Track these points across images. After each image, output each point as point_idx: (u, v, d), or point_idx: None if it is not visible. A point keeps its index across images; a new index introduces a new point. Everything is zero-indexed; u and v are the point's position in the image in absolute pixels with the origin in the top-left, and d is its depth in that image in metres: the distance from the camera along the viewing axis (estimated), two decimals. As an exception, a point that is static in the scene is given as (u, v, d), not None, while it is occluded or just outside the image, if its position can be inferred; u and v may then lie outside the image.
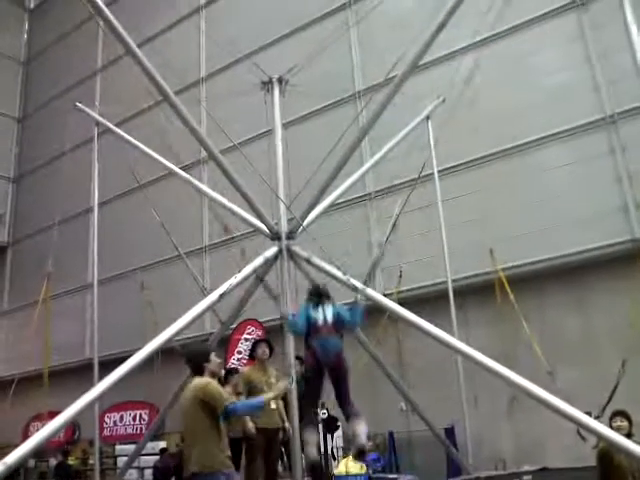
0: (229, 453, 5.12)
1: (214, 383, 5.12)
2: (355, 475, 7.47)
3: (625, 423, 5.67)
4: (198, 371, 5.20)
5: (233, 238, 15.51)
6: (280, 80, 9.43)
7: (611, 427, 5.62)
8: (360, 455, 6.09)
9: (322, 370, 5.96)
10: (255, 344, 7.47)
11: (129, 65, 7.57)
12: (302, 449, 5.69)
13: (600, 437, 5.84)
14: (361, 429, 5.85)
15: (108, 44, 21.54)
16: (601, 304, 12.00)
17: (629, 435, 5.52)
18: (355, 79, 16.11)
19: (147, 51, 7.52)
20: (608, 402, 8.53)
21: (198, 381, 5.08)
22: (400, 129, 11.05)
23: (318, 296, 6.34)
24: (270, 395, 5.68)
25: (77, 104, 12.62)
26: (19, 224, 25.56)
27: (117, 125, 13.33)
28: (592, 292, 12.27)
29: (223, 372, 8.38)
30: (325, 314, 6.08)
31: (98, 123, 12.67)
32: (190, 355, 5.37)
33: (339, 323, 6.15)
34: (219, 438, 4.99)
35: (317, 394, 6.18)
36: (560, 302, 12.57)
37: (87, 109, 12.78)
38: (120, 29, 7.00)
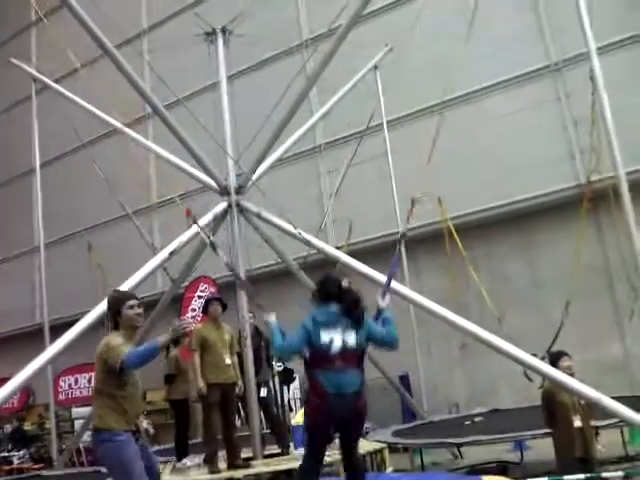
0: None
1: (113, 339, 4.29)
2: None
3: (573, 362, 5.87)
4: (115, 325, 4.43)
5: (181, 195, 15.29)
6: (224, 30, 9.16)
7: (558, 366, 5.80)
8: None
9: (330, 423, 4.18)
10: (207, 302, 7.41)
11: (67, 19, 7.24)
12: None
13: (545, 377, 6.06)
14: None
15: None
16: (547, 249, 12.34)
17: (571, 374, 5.73)
18: (302, 28, 15.80)
19: (84, 3, 7.17)
20: (552, 344, 8.83)
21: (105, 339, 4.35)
22: (349, 79, 10.94)
23: (343, 307, 4.25)
24: (163, 338, 4.14)
25: (11, 59, 12.12)
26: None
27: (56, 81, 12.84)
28: (538, 238, 12.60)
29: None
30: (345, 338, 4.16)
31: (35, 79, 12.20)
32: (107, 306, 4.57)
33: (367, 347, 4.32)
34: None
35: (322, 451, 4.38)
36: (508, 249, 12.88)
37: (23, 64, 12.27)
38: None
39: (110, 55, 7.07)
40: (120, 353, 4.12)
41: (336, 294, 4.31)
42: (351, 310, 4.25)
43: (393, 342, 4.38)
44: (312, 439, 4.31)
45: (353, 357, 4.15)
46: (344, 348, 4.11)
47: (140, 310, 4.44)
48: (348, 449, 4.35)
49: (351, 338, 4.15)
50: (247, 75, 15.87)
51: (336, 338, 4.12)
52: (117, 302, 4.45)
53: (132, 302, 4.42)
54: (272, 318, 4.50)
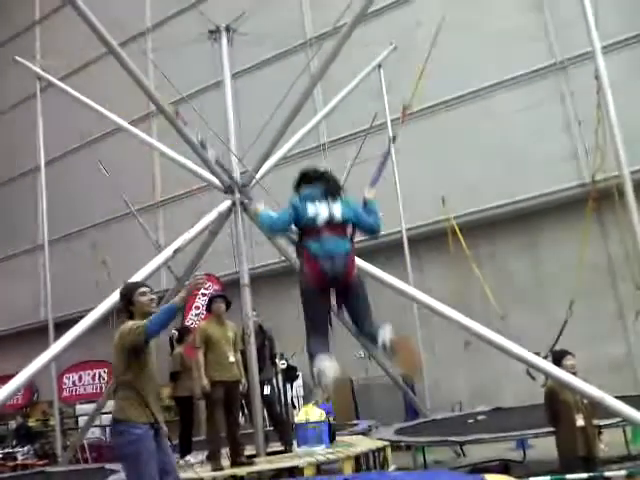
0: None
1: (128, 323, 4.37)
2: (316, 422, 7.58)
3: (576, 361, 5.88)
4: (129, 316, 4.48)
5: (186, 193, 15.36)
6: (228, 29, 9.17)
7: (561, 365, 5.80)
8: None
9: (327, 285, 4.15)
10: (211, 300, 7.43)
11: (72, 17, 7.25)
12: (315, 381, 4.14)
13: (548, 375, 6.07)
14: (389, 329, 4.12)
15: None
16: (551, 248, 12.33)
17: (574, 373, 5.74)
18: (305, 26, 15.81)
19: (89, 1, 7.17)
20: (556, 342, 8.84)
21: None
22: (353, 78, 10.94)
23: (320, 184, 4.36)
24: (183, 295, 4.32)
25: (16, 57, 12.13)
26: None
27: (61, 79, 12.85)
28: (542, 237, 12.59)
29: (176, 333, 8.35)
30: (331, 209, 4.21)
31: (40, 77, 12.21)
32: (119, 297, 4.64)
33: (353, 224, 4.32)
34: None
35: (324, 321, 4.24)
36: (512, 247, 12.87)
37: (27, 62, 12.29)
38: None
39: (115, 54, 7.07)
40: (140, 326, 4.23)
41: (317, 178, 4.43)
42: (334, 187, 4.37)
43: (376, 227, 4.44)
44: (310, 305, 4.23)
45: (340, 228, 4.22)
46: (330, 219, 4.18)
47: (153, 296, 4.51)
48: (358, 319, 4.26)
49: (337, 210, 4.22)
50: (251, 73, 15.89)
51: (322, 209, 4.19)
52: (129, 291, 4.53)
53: (144, 289, 4.53)
54: (261, 206, 4.54)
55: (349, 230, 4.31)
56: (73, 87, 11.29)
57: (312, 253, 4.10)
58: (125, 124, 10.80)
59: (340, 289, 4.20)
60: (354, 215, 4.32)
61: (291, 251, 9.66)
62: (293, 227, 4.33)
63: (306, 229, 4.20)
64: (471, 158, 12.86)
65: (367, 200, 4.52)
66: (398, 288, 7.32)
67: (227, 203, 8.30)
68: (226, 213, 8.30)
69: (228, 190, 8.38)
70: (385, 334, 4.06)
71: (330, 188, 4.34)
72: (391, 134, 11.59)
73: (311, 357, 4.15)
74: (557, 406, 5.56)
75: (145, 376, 4.35)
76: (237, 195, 8.28)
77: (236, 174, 8.44)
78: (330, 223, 4.17)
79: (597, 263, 11.26)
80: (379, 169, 5.55)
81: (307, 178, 4.45)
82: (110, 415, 4.54)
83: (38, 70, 12.18)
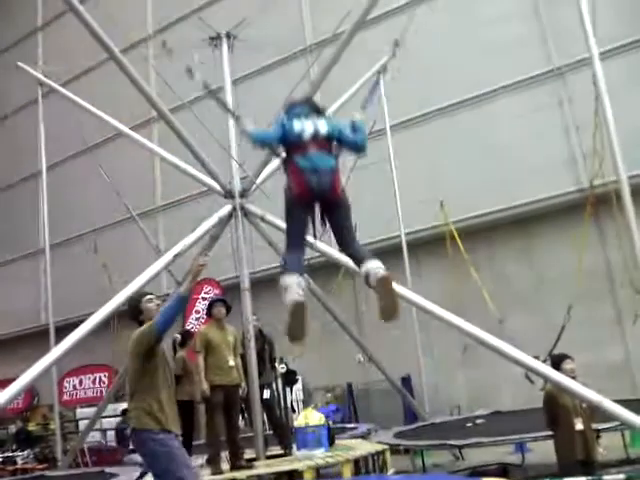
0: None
1: (137, 329, 4.58)
2: (315, 426, 7.60)
3: (575, 365, 5.90)
4: (139, 324, 4.66)
5: (186, 198, 15.39)
6: (228, 35, 9.26)
7: (560, 369, 5.82)
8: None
9: (311, 199, 4.28)
10: (211, 304, 7.47)
11: (74, 23, 7.32)
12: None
13: (547, 379, 6.10)
14: (376, 264, 4.25)
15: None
16: (549, 253, 12.36)
17: (573, 377, 5.76)
18: (305, 33, 15.88)
19: (91, 8, 7.25)
20: (554, 346, 8.87)
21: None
22: (353, 84, 11.00)
23: (306, 105, 4.56)
24: (187, 285, 4.60)
25: (19, 63, 12.22)
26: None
27: (63, 85, 12.93)
28: (540, 241, 12.62)
29: (179, 337, 8.40)
30: (316, 125, 4.34)
31: (42, 83, 12.30)
32: (128, 309, 4.87)
33: (337, 141, 4.41)
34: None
35: (303, 236, 4.40)
36: (510, 252, 12.90)
37: (29, 68, 12.38)
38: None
39: (116, 60, 7.14)
40: (149, 324, 4.44)
41: (303, 102, 4.65)
42: (318, 106, 4.59)
43: (360, 144, 4.48)
44: (292, 218, 4.35)
45: (326, 144, 4.33)
46: (316, 133, 4.30)
47: (159, 302, 4.73)
48: (341, 235, 4.41)
49: (322, 125, 4.35)
50: (251, 80, 15.95)
51: (307, 125, 4.32)
52: (136, 300, 4.77)
53: (149, 296, 4.75)
54: (249, 126, 4.50)
55: (335, 148, 4.41)
56: (75, 93, 11.36)
57: (298, 167, 4.21)
58: (126, 129, 10.86)
59: (325, 204, 4.32)
60: (339, 131, 4.42)
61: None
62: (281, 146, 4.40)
63: (293, 145, 4.31)
64: (469, 163, 12.90)
65: (355, 121, 4.57)
66: (397, 292, 7.34)
67: (227, 208, 8.35)
68: (226, 218, 8.35)
69: (228, 195, 8.44)
70: (376, 265, 4.20)
71: (315, 107, 4.54)
72: (390, 141, 11.65)
73: (282, 272, 4.28)
74: (556, 410, 5.59)
75: (160, 380, 4.49)
76: (237, 200, 8.35)
77: (237, 179, 8.51)
78: (316, 138, 4.28)
79: (595, 268, 11.30)
80: (371, 95, 5.63)
81: (293, 104, 4.61)
82: (110, 419, 4.63)
83: (40, 76, 12.28)
